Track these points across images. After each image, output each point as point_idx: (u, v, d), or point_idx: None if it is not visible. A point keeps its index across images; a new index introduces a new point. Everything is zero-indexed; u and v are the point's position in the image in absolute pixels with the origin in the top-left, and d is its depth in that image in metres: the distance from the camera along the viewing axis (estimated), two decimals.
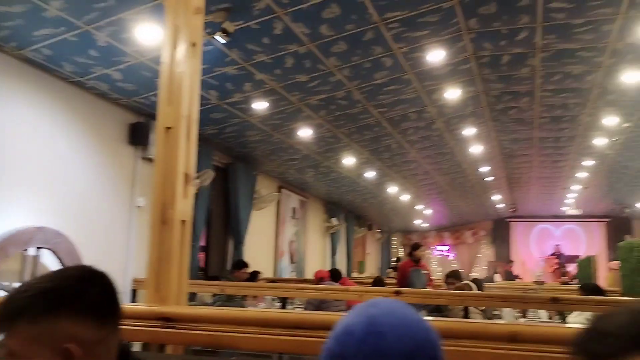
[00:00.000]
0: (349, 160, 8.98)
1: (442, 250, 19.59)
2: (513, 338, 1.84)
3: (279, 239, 9.98)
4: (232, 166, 8.21)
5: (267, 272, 9.33)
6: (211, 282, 6.53)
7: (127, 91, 5.72)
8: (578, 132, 8.71)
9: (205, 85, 5.71)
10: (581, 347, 0.50)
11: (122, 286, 5.75)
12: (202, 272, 7.89)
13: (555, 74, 6.30)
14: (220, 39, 4.65)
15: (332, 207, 12.55)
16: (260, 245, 9.32)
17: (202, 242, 7.81)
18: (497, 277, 13.82)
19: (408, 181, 11.58)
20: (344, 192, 11.66)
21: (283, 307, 6.22)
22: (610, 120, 7.86)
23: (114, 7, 4.14)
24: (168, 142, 2.71)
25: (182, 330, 2.15)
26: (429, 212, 15.85)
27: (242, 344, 2.08)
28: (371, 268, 16.32)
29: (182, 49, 2.82)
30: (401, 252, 18.79)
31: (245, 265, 7.06)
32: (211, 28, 4.59)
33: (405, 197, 12.86)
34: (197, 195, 7.00)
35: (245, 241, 8.39)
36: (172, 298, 2.55)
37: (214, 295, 6.28)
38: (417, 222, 17.47)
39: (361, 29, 4.99)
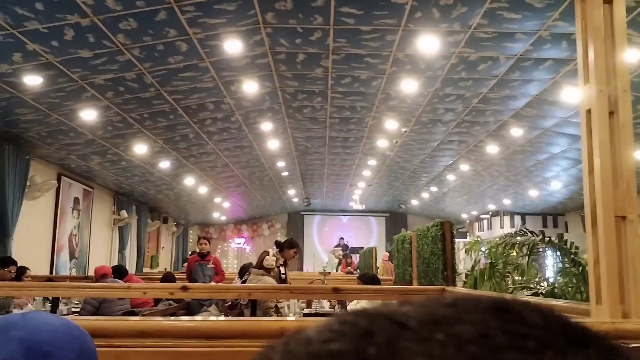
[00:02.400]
0: (140, 148, 8.42)
1: (239, 243, 19.74)
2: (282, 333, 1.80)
3: (57, 232, 8.96)
4: None
5: (41, 269, 8.31)
6: None
7: None
8: (364, 134, 9.41)
9: None
10: None
11: None
12: None
13: (345, 76, 6.67)
14: None
15: (122, 198, 11.70)
16: (33, 239, 8.26)
17: None
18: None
19: (206, 173, 11.34)
20: (136, 183, 10.95)
21: (54, 308, 5.55)
22: (392, 124, 8.63)
23: None
24: None
25: None
26: (227, 204, 15.79)
27: None
28: (165, 263, 15.70)
29: None
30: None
31: (11, 262, 6.19)
32: None
33: (203, 189, 12.60)
34: None
35: (13, 234, 7.34)
36: None
37: None
38: (216, 214, 17.31)
39: (153, 7, 4.65)
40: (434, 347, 0.25)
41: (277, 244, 5.73)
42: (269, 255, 5.25)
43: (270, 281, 5.21)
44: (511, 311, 0.27)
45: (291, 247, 5.62)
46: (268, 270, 5.21)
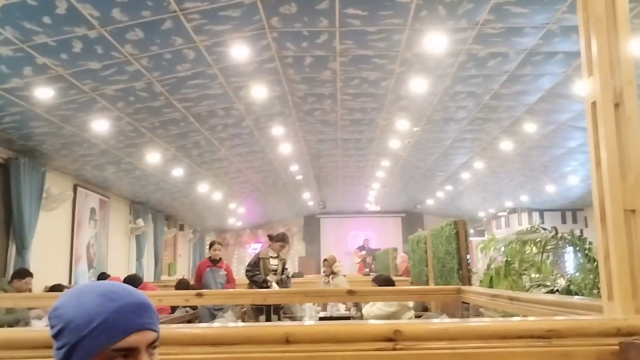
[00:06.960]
0: (154, 157, 8.47)
1: (256, 249, 19.76)
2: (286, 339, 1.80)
3: (75, 242, 9.05)
4: (15, 161, 7.19)
5: (60, 280, 8.39)
6: None
7: None
8: (376, 135, 9.38)
9: None
10: None
11: None
12: None
13: (354, 78, 6.65)
14: None
15: (138, 207, 11.79)
16: (51, 250, 8.35)
17: None
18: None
19: (220, 179, 11.39)
20: (151, 191, 11.04)
21: None
22: (403, 124, 8.58)
23: None
24: None
25: None
26: (242, 210, 15.83)
27: None
28: (183, 270, 15.78)
29: None
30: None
31: (28, 274, 6.27)
32: None
33: (218, 196, 12.64)
34: None
35: (31, 246, 7.42)
36: None
37: None
38: (231, 220, 17.36)
39: (159, 16, 4.68)
40: None
41: (270, 237, 6.61)
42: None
43: None
44: None
45: (277, 241, 6.47)
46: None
